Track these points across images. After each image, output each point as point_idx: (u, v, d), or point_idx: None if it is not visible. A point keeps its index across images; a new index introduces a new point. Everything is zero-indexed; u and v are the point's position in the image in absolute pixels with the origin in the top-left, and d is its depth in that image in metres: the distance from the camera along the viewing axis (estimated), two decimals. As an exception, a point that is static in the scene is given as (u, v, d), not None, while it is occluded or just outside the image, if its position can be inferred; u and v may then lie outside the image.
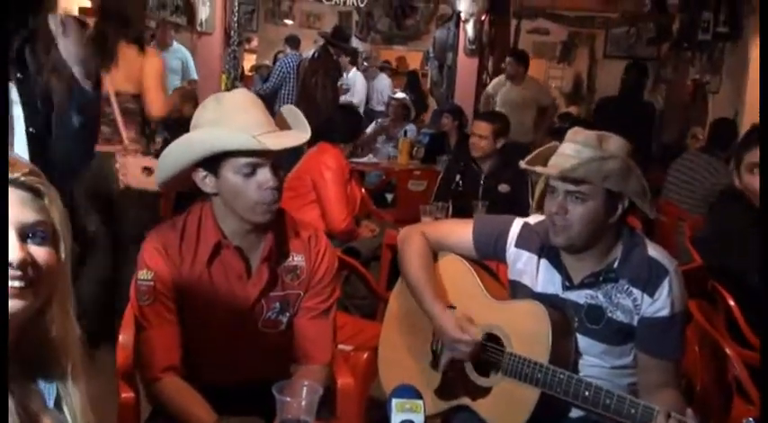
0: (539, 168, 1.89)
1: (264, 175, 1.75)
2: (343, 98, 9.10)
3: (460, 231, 2.11)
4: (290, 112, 1.88)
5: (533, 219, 2.03)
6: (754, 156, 2.55)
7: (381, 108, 9.27)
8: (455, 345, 1.97)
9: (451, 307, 2.06)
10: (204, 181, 1.81)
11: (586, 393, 1.76)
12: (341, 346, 2.37)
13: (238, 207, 1.79)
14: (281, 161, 1.81)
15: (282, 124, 1.87)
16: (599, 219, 1.84)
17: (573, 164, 1.80)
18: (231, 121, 1.76)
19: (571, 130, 1.91)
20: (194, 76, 7.36)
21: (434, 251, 2.14)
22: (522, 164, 1.96)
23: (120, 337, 2.05)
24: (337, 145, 4.03)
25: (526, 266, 2.00)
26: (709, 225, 3.26)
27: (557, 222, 1.85)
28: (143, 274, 1.84)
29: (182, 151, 1.79)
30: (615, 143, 1.84)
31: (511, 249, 2.03)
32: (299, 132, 1.84)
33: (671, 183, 4.87)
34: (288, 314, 1.94)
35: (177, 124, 4.96)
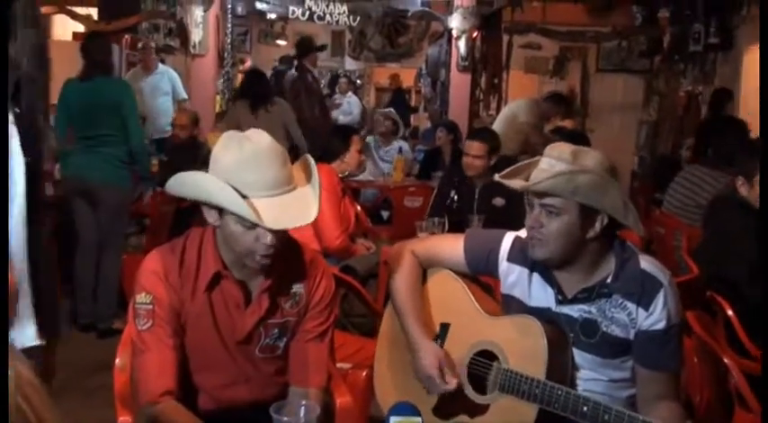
0: (505, 181, 1.90)
1: (265, 232, 1.73)
2: (341, 118, 9.14)
3: (452, 247, 2.10)
4: (307, 162, 1.86)
5: (524, 232, 2.02)
6: None
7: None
8: (429, 382, 1.95)
9: (446, 324, 2.06)
10: (210, 212, 1.80)
11: (585, 409, 1.74)
12: (339, 365, 2.36)
13: (234, 249, 1.80)
14: None
15: (299, 176, 1.83)
16: (575, 233, 1.83)
17: (542, 177, 1.80)
18: (245, 174, 1.71)
19: (549, 146, 1.90)
20: (184, 95, 7.41)
21: (426, 268, 2.14)
22: (497, 176, 1.96)
23: (117, 361, 2.05)
24: (330, 164, 4.02)
25: (518, 280, 1.99)
26: (706, 234, 3.26)
27: (534, 236, 1.86)
28: (141, 297, 1.83)
29: (192, 185, 1.77)
30: (592, 158, 1.82)
31: (503, 264, 2.02)
32: (308, 205, 1.77)
33: (672, 196, 4.83)
34: (285, 339, 1.94)
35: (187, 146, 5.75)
